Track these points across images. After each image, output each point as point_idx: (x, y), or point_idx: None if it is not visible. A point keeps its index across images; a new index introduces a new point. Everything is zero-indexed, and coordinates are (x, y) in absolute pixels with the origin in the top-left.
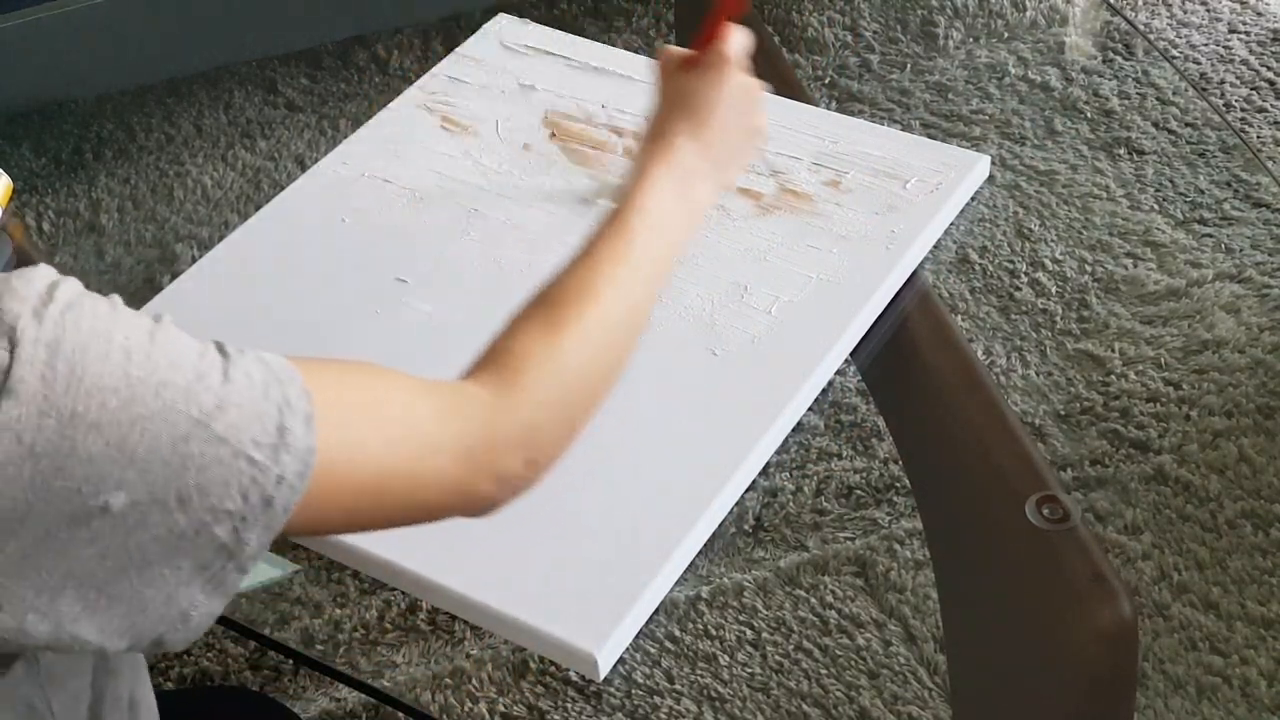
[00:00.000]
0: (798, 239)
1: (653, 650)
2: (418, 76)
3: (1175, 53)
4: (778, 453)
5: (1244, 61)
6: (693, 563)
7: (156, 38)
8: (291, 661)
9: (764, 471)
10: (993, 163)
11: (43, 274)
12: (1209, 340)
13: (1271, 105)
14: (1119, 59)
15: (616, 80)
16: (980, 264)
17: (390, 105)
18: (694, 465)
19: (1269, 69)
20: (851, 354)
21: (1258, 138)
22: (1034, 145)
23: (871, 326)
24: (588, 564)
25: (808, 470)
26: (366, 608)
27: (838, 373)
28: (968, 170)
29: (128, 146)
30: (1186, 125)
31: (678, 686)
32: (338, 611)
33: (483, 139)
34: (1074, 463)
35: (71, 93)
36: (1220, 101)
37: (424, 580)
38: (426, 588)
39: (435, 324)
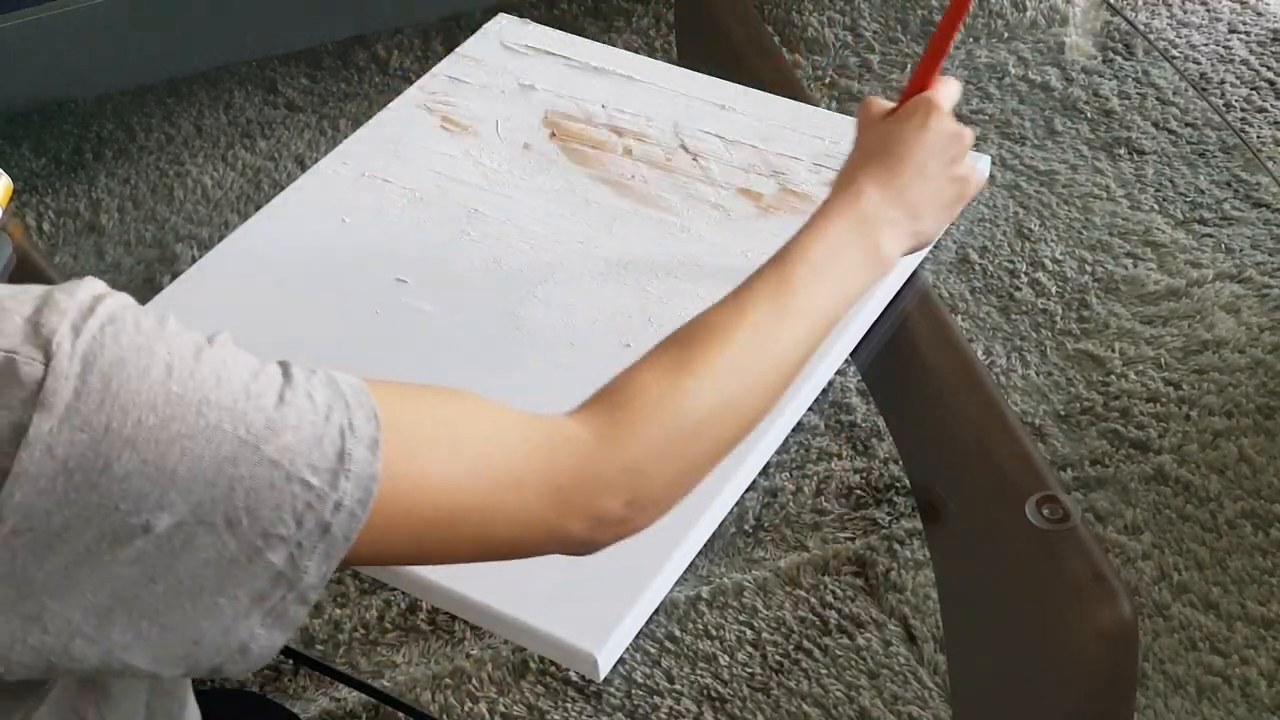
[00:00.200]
0: None
1: (653, 650)
2: (418, 76)
3: (1175, 53)
4: (778, 453)
5: (1244, 61)
6: (693, 563)
7: (156, 38)
8: (291, 661)
9: (764, 471)
10: (993, 163)
11: (88, 287)
12: (1209, 340)
13: (1271, 105)
14: (1119, 59)
15: (616, 80)
16: (980, 264)
17: (390, 105)
18: None
19: (1269, 69)
20: (851, 354)
21: (1258, 138)
22: (1034, 145)
23: (871, 326)
24: (588, 564)
25: (808, 470)
26: (366, 608)
27: (838, 373)
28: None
29: (128, 146)
30: (1186, 125)
31: (678, 686)
32: (338, 611)
33: (483, 139)
34: (1074, 463)
35: (71, 93)
36: (1220, 101)
37: (424, 580)
38: (426, 588)
39: (435, 324)
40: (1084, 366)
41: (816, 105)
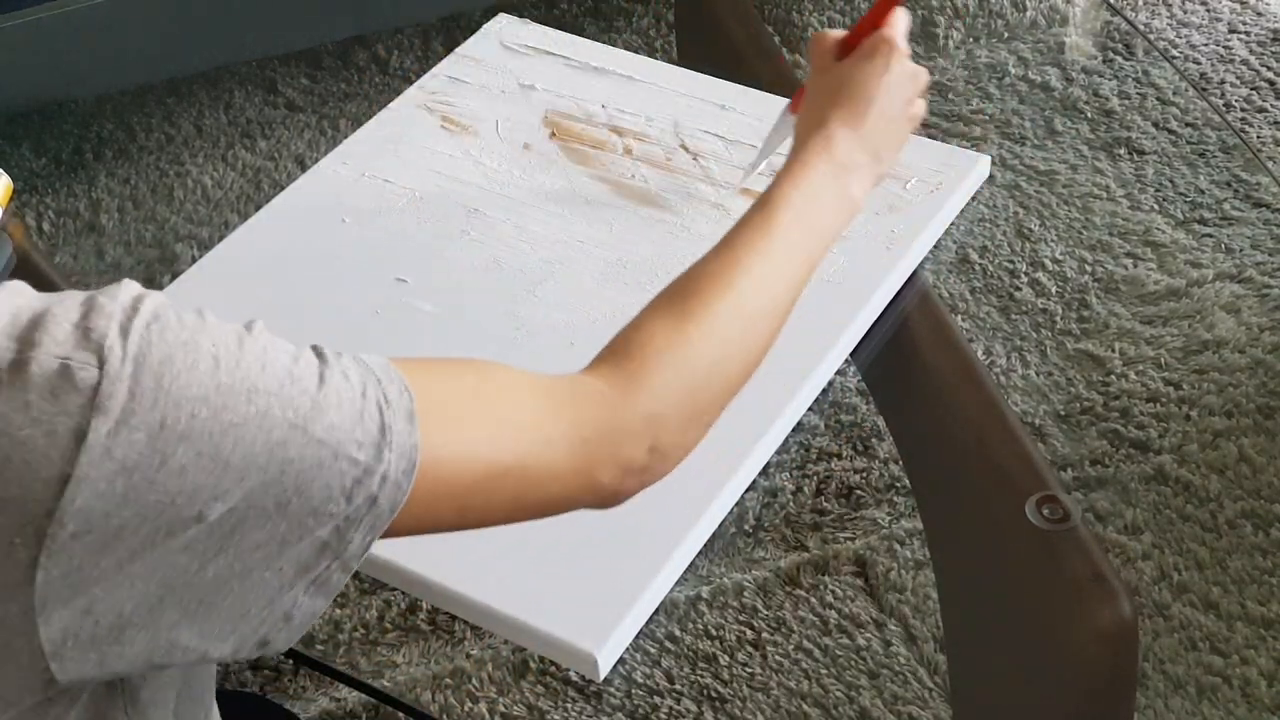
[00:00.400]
0: None
1: (653, 650)
2: (418, 76)
3: (1175, 53)
4: (778, 453)
5: (1244, 61)
6: (693, 563)
7: (156, 38)
8: (291, 661)
9: (764, 471)
10: (993, 163)
11: (127, 288)
12: (1209, 340)
13: (1271, 105)
14: (1119, 59)
15: (616, 80)
16: (980, 264)
17: (390, 105)
18: (694, 465)
19: (1269, 69)
20: (851, 354)
21: (1258, 138)
22: (1034, 145)
23: (871, 326)
24: (588, 564)
25: (808, 470)
26: (366, 608)
27: (838, 373)
28: (968, 170)
29: (128, 146)
30: (1186, 125)
31: (678, 686)
32: (338, 611)
33: (483, 139)
34: (1074, 463)
35: (71, 93)
36: (1220, 101)
37: (424, 580)
38: (426, 588)
39: (435, 324)
40: (1084, 366)
41: None
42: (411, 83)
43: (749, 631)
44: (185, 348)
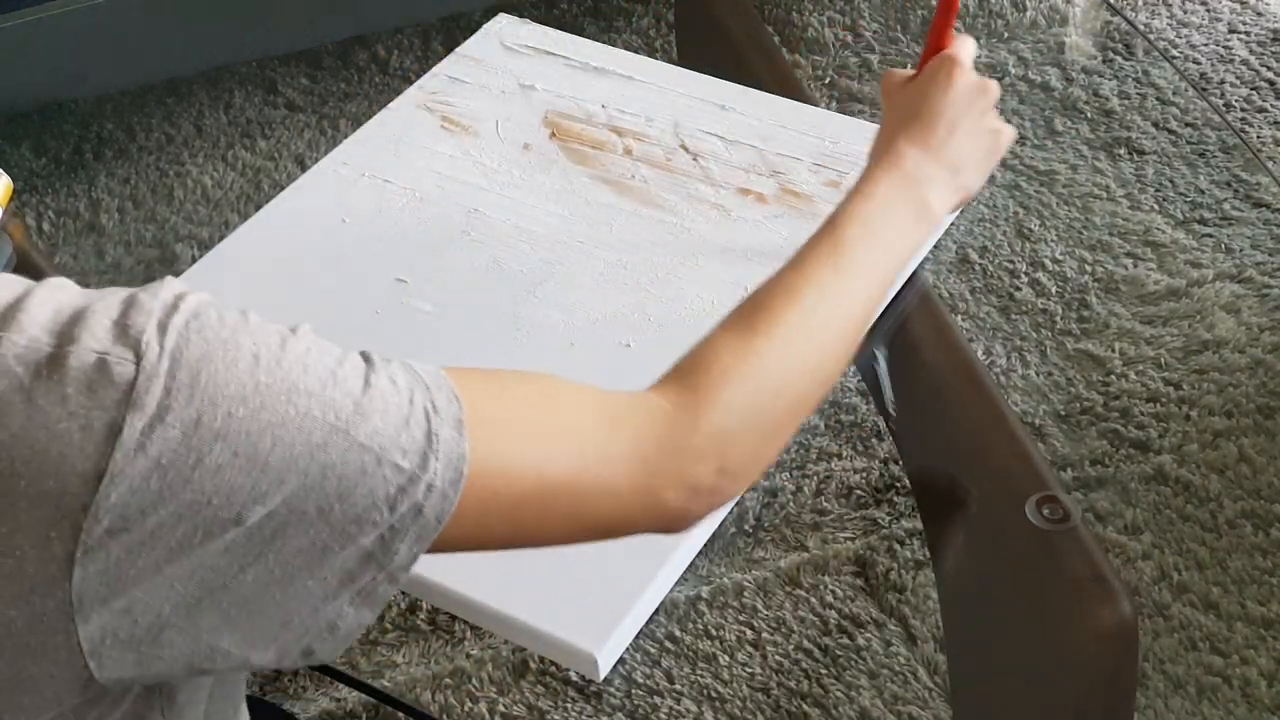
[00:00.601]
0: (798, 239)
1: (653, 650)
2: (418, 76)
3: (1175, 53)
4: None
5: (1244, 61)
6: (693, 563)
7: (156, 38)
8: None
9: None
10: None
11: (169, 286)
12: (1209, 340)
13: (1271, 105)
14: (1119, 59)
15: (616, 80)
16: (980, 264)
17: (390, 105)
18: None
19: (1269, 69)
20: None
21: (1258, 138)
22: (1034, 145)
23: (872, 326)
24: (588, 564)
25: (808, 470)
26: None
27: None
28: None
29: (128, 146)
30: (1186, 125)
31: (678, 686)
32: None
33: (483, 139)
34: (1074, 463)
35: (71, 93)
36: (1220, 101)
37: (424, 580)
38: (426, 588)
39: (435, 324)
40: (1084, 366)
41: (816, 105)
42: (411, 83)
43: (749, 631)
44: (225, 346)
